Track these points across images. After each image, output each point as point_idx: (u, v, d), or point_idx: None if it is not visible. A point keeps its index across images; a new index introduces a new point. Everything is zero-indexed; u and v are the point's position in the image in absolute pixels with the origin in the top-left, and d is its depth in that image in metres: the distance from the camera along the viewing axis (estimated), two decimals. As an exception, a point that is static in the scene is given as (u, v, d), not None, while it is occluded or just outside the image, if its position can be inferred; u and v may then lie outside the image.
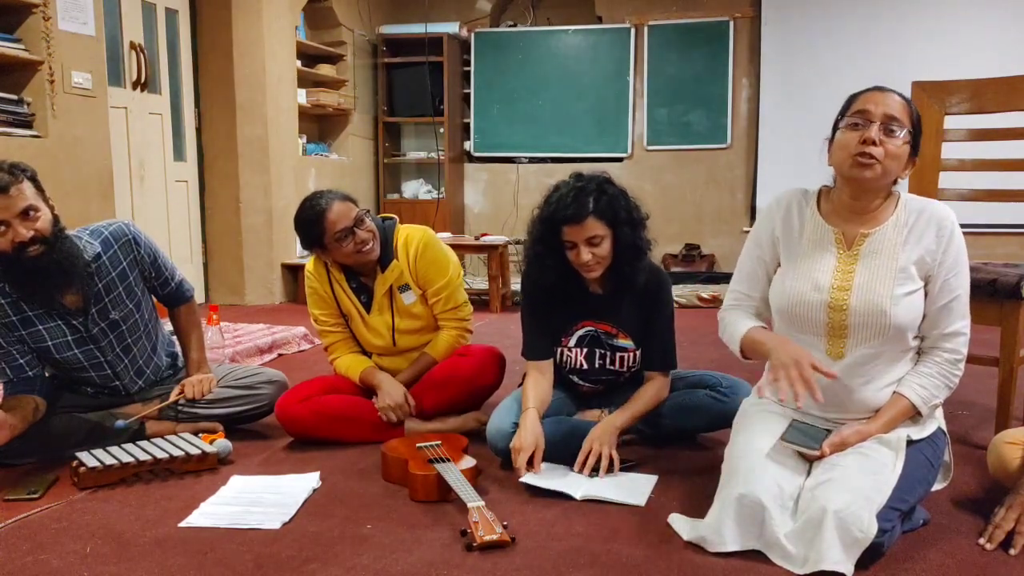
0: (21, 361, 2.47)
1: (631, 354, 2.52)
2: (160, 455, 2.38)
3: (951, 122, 3.00)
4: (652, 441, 2.60)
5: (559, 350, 2.55)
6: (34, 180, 2.33)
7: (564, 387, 2.61)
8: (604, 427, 2.38)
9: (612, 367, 2.54)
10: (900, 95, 1.91)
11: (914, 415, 1.95)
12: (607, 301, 2.48)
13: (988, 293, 2.43)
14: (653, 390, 2.49)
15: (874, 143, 1.84)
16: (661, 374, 2.52)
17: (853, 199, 1.95)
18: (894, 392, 1.94)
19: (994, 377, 2.55)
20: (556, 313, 2.51)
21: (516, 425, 2.37)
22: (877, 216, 1.96)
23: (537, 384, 2.47)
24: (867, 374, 1.95)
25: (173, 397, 2.66)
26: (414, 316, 2.78)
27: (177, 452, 2.40)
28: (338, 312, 2.81)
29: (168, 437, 2.53)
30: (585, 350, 2.53)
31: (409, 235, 2.77)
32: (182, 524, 2.03)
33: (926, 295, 1.93)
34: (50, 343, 2.47)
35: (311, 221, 2.61)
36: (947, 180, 2.99)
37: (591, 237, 2.30)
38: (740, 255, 2.18)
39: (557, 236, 2.33)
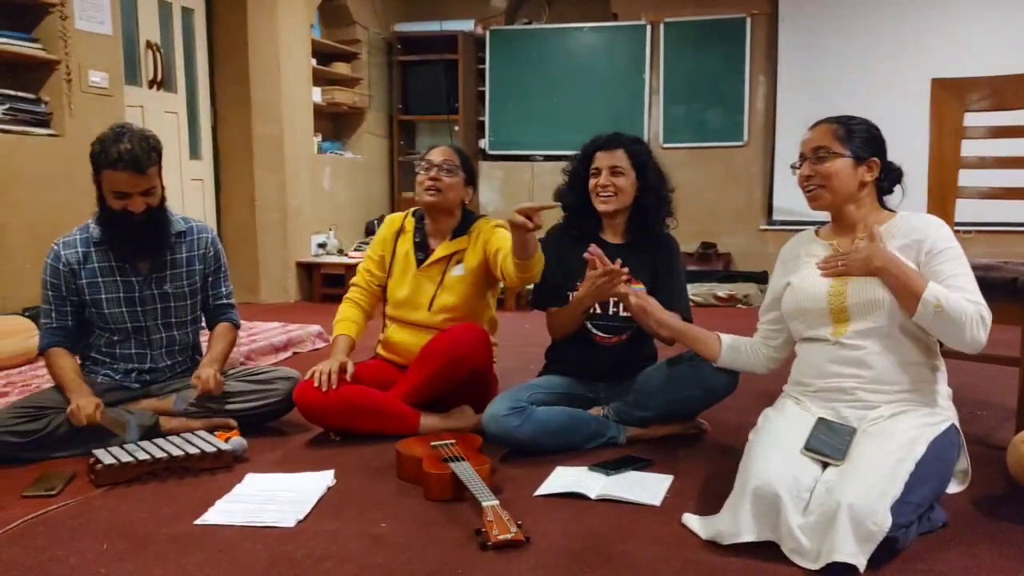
0: (68, 309, 2.64)
1: None
2: (176, 453, 2.39)
3: (971, 119, 2.97)
4: (655, 431, 2.63)
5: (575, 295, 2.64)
6: (160, 158, 2.59)
7: (578, 347, 2.67)
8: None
9: (625, 312, 2.61)
10: (828, 121, 2.14)
11: (917, 296, 1.94)
12: (623, 250, 2.63)
13: (1009, 292, 2.40)
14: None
15: (809, 176, 2.12)
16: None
17: (834, 220, 2.20)
18: None
19: (1013, 377, 2.53)
20: (575, 259, 2.58)
21: (511, 410, 2.45)
22: (867, 226, 2.11)
23: None
24: (876, 343, 2.03)
25: (196, 383, 2.66)
26: (454, 293, 2.80)
27: (193, 450, 2.41)
28: (385, 263, 2.91)
29: (184, 435, 2.55)
30: None
31: (492, 220, 2.89)
32: (197, 521, 2.03)
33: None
34: (103, 296, 2.64)
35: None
36: (967, 178, 2.96)
37: (615, 166, 2.64)
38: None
39: (588, 164, 2.69)
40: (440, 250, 2.83)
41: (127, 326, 2.67)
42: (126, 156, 2.45)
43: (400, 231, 2.91)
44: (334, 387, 2.62)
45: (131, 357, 2.70)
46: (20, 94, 3.97)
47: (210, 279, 2.83)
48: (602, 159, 2.65)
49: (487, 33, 7.38)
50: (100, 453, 2.36)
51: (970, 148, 2.94)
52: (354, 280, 2.98)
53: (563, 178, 2.81)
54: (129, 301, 2.66)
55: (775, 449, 1.92)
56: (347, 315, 2.91)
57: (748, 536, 1.80)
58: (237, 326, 2.93)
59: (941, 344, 2.07)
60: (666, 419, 2.63)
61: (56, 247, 2.65)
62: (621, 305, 2.62)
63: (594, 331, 2.68)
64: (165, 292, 2.70)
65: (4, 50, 3.87)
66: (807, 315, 2.13)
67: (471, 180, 2.89)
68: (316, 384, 2.62)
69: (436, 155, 2.82)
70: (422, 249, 2.86)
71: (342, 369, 2.66)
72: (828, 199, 2.12)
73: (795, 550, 1.74)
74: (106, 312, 2.64)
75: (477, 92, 7.57)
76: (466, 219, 2.89)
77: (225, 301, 2.88)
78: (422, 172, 2.81)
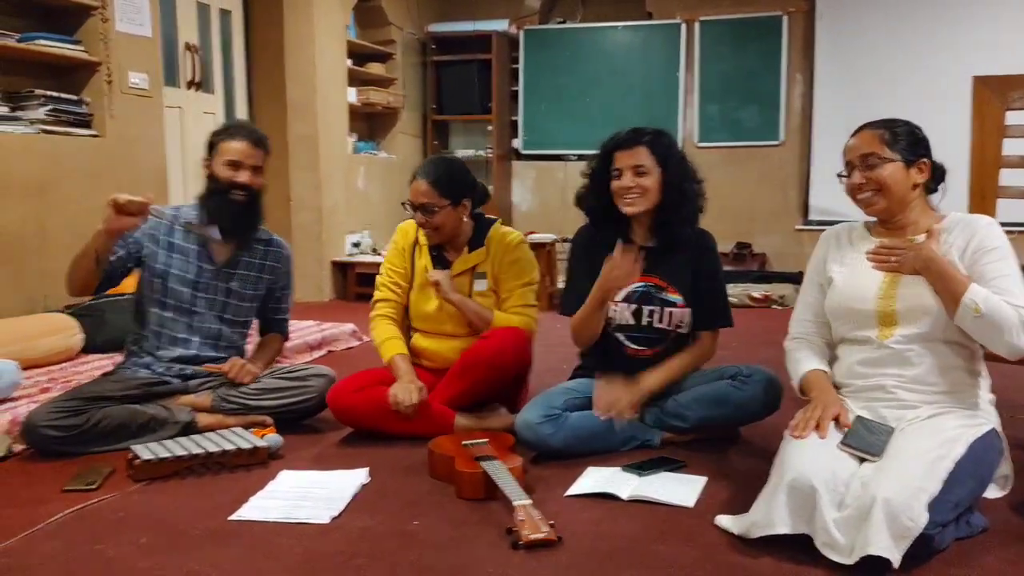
0: (120, 252, 2.69)
1: (680, 310, 2.56)
2: (212, 449, 2.42)
3: (1013, 118, 2.92)
4: (689, 436, 2.60)
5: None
6: (268, 155, 2.88)
7: (608, 357, 2.62)
8: (631, 387, 2.48)
9: (660, 325, 2.56)
10: (870, 126, 2.11)
11: (957, 299, 1.91)
12: (655, 254, 2.53)
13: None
14: (696, 350, 2.59)
15: (861, 184, 2.07)
16: (711, 334, 2.61)
17: (884, 223, 2.16)
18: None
19: (1057, 380, 2.48)
20: (603, 264, 2.48)
21: (545, 418, 2.43)
22: (918, 228, 2.10)
23: None
24: (921, 347, 2.01)
25: (213, 368, 2.75)
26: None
27: (229, 446, 2.44)
28: (406, 273, 2.86)
29: (220, 431, 2.58)
30: (633, 306, 2.57)
31: (508, 232, 2.86)
32: (233, 517, 2.06)
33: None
34: (173, 271, 2.76)
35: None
36: (1009, 177, 2.91)
37: (637, 165, 2.47)
38: (800, 292, 2.34)
39: (608, 164, 2.52)
40: (458, 264, 2.80)
41: (182, 305, 2.77)
42: (243, 129, 2.81)
43: (416, 243, 2.86)
44: (414, 408, 2.58)
45: (177, 340, 2.76)
46: (62, 95, 4.05)
47: (277, 294, 2.98)
48: (623, 159, 2.49)
49: (521, 33, 7.38)
50: (138, 449, 2.39)
51: (1012, 147, 2.89)
52: (380, 295, 2.89)
53: (583, 181, 2.65)
54: (194, 284, 2.78)
55: (811, 443, 1.90)
56: (390, 333, 2.82)
57: (782, 528, 1.77)
58: (286, 338, 3.12)
59: (984, 349, 2.04)
60: (703, 431, 2.60)
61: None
62: (655, 316, 2.56)
63: (627, 343, 2.63)
64: (229, 288, 2.83)
65: (47, 52, 3.95)
66: (853, 315, 2.11)
67: (462, 197, 2.75)
68: (393, 405, 2.58)
69: (414, 195, 2.72)
70: (441, 263, 2.82)
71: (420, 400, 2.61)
72: (884, 204, 2.09)
73: (828, 544, 1.72)
74: (169, 285, 2.75)
75: (511, 92, 7.57)
76: (479, 227, 2.84)
77: (283, 316, 3.04)
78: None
